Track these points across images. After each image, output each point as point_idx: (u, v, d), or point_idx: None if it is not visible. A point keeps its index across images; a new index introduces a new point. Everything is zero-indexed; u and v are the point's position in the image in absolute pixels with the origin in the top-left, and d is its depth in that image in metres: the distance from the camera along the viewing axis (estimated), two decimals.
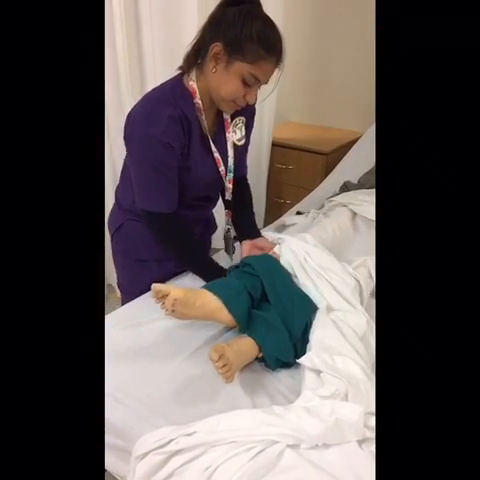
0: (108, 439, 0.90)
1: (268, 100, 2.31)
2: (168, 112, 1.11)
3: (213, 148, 1.23)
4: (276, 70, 1.11)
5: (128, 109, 1.83)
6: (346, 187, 1.89)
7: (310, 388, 0.94)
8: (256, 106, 1.37)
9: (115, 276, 1.50)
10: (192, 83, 1.15)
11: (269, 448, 0.79)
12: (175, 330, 1.14)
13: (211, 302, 1.05)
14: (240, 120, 1.29)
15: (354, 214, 1.58)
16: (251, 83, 1.09)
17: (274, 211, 2.48)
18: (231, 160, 1.28)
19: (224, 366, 0.94)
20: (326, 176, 2.20)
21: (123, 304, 1.42)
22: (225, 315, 1.05)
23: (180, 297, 0.99)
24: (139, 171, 1.18)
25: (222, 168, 1.27)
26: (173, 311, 1.00)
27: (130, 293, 1.34)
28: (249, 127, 1.34)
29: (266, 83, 1.13)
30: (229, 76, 1.08)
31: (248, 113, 1.31)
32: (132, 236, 1.34)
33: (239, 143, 1.29)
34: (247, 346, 1.03)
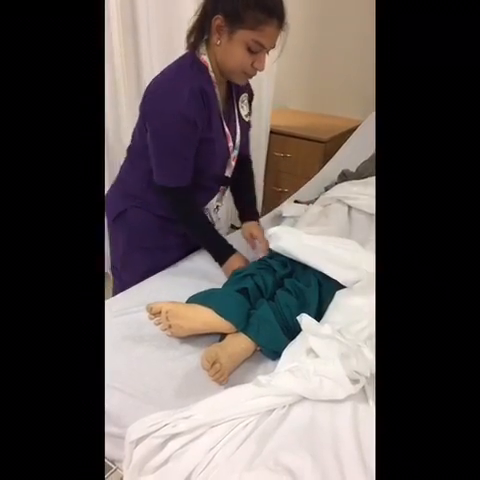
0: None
1: (266, 87, 2.30)
2: (188, 86, 1.11)
3: (224, 123, 1.23)
4: (281, 33, 1.10)
5: (124, 110, 1.82)
6: (344, 175, 1.87)
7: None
8: (254, 92, 1.37)
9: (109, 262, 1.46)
10: (204, 57, 1.15)
11: (266, 420, 0.83)
12: None
13: (203, 312, 1.04)
14: (245, 96, 1.31)
15: (349, 207, 1.57)
16: (256, 50, 1.09)
17: (272, 200, 2.47)
18: (238, 137, 1.29)
19: (216, 373, 0.94)
20: (324, 164, 2.19)
21: (115, 289, 1.42)
22: (220, 321, 1.03)
23: (171, 308, 1.01)
24: (158, 147, 1.17)
25: (231, 144, 1.27)
26: (170, 327, 1.02)
27: (128, 279, 1.33)
28: (251, 106, 1.35)
29: (273, 48, 1.12)
30: (233, 46, 1.09)
31: (249, 92, 1.33)
32: (136, 224, 1.32)
33: (247, 119, 1.31)
34: (242, 345, 1.01)
